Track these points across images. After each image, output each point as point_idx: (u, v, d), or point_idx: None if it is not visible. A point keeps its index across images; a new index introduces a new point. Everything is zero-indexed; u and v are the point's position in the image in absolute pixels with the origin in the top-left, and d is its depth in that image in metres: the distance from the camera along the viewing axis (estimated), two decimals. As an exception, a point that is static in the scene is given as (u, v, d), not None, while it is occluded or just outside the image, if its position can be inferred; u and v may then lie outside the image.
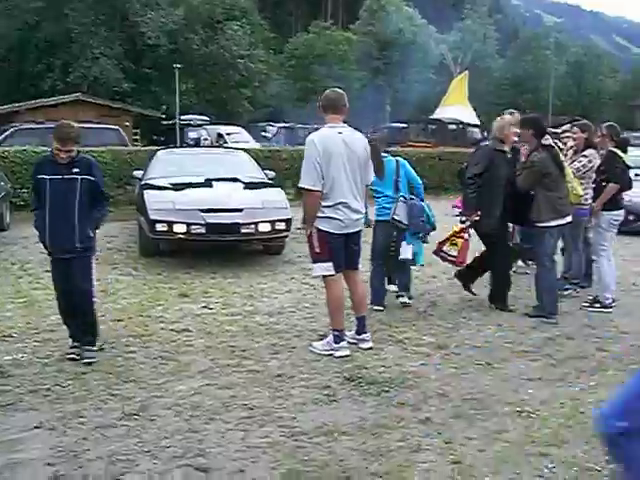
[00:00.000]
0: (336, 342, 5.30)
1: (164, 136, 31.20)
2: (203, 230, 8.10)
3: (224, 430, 3.98)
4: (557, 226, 6.35)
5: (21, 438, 3.82)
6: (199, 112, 34.09)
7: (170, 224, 8.08)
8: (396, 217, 6.27)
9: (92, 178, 4.96)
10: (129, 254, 9.23)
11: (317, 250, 5.17)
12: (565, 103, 51.93)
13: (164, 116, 30.35)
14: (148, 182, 9.35)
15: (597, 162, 7.10)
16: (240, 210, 8.28)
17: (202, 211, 8.19)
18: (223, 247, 8.86)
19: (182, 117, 31.50)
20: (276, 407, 4.33)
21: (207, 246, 8.62)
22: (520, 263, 8.37)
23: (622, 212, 7.00)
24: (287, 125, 33.01)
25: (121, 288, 7.30)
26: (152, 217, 8.12)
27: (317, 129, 5.43)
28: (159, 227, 8.11)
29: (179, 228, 8.10)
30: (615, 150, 6.86)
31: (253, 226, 8.24)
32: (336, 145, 5.04)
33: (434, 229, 6.82)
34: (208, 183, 9.08)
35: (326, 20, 55.07)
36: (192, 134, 30.29)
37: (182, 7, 33.87)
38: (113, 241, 10.12)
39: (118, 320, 6.11)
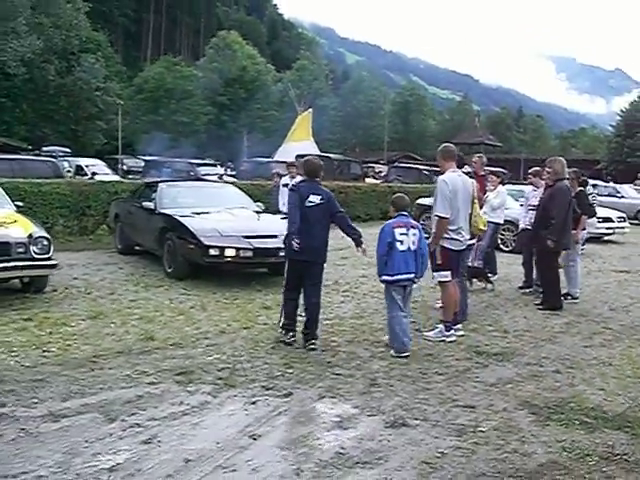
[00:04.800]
0: (447, 330, 7.06)
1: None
2: (250, 254, 9.38)
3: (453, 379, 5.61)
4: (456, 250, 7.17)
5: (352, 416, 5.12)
6: (57, 143, 33.69)
7: (222, 249, 9.26)
8: None
9: None
10: (156, 278, 10.05)
11: (439, 262, 6.92)
12: (394, 140, 57.04)
13: (30, 147, 29.78)
14: (167, 212, 10.35)
15: None
16: (275, 236, 9.63)
17: (245, 237, 9.47)
18: (258, 269, 10.13)
19: (44, 149, 31.10)
20: (459, 371, 6.00)
21: (252, 268, 9.85)
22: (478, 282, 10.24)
23: (586, 232, 9.50)
24: (152, 159, 33.51)
25: (206, 304, 8.40)
26: (206, 243, 9.26)
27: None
28: (212, 252, 9.26)
29: (230, 252, 9.30)
30: (582, 189, 9.35)
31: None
32: (458, 184, 6.88)
33: None
34: (231, 212, 10.32)
35: (146, 54, 55.82)
36: (56, 166, 30.03)
37: (36, 36, 33.38)
38: (123, 268, 10.90)
39: (246, 328, 7.33)
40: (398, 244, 6.33)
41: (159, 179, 13.87)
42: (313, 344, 6.53)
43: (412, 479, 3.91)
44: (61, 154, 32.18)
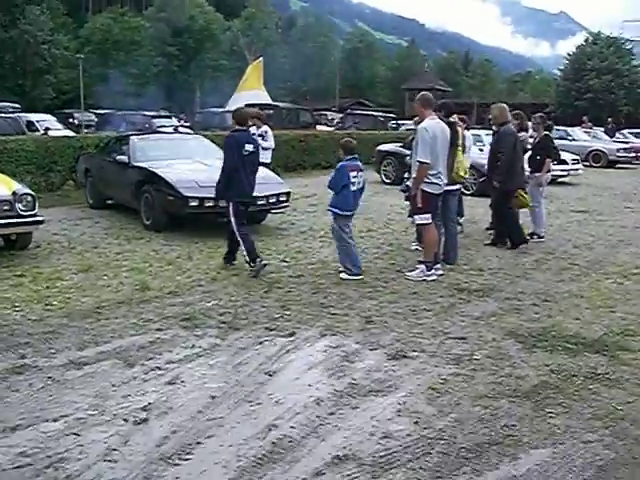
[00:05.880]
0: (428, 270, 7.46)
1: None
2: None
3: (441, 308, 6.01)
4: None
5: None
6: (5, 99, 32.69)
7: (201, 200, 9.39)
8: None
9: None
10: (135, 230, 10.13)
11: (419, 205, 7.26)
12: (344, 87, 56.86)
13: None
14: (142, 165, 10.42)
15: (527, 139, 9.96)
16: (252, 186, 9.82)
17: (223, 187, 9.60)
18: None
19: (-6, 105, 30.23)
20: (445, 307, 6.40)
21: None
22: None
23: (550, 174, 9.96)
24: (106, 112, 32.89)
25: (191, 253, 8.60)
26: (186, 194, 9.39)
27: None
28: (192, 203, 9.40)
29: (209, 203, 9.43)
30: (548, 133, 9.75)
31: (265, 198, 9.88)
32: (437, 131, 7.18)
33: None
34: (204, 163, 10.43)
35: (87, 4, 54.05)
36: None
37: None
38: (99, 222, 10.98)
39: (235, 275, 7.59)
40: (352, 185, 7.30)
41: (127, 133, 13.78)
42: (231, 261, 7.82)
43: (423, 403, 4.29)
44: (10, 109, 31.25)
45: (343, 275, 7.39)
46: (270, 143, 13.03)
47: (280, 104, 27.68)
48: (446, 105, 8.71)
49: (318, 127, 28.65)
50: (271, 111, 28.31)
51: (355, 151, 7.48)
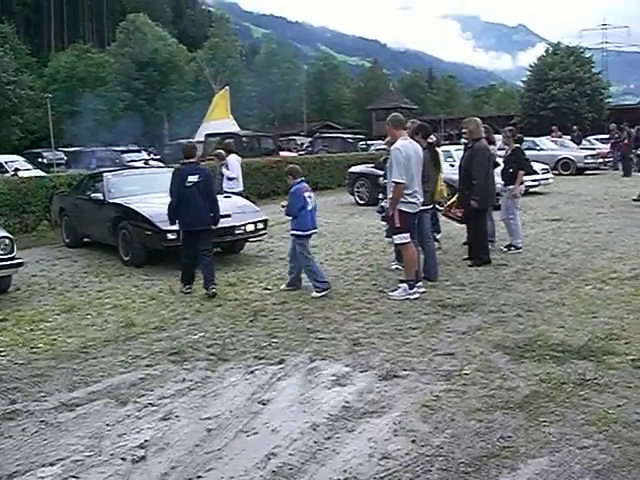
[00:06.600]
0: (410, 288, 7.52)
1: None
2: (206, 235, 9.54)
3: (430, 324, 6.06)
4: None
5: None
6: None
7: (179, 232, 9.38)
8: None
9: None
10: (114, 267, 10.12)
11: (397, 225, 7.35)
12: (312, 111, 57.27)
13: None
14: (117, 201, 10.42)
15: (496, 152, 10.14)
16: (229, 215, 9.83)
17: (199, 219, 9.61)
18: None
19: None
20: (431, 324, 6.47)
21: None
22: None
23: (523, 186, 10.13)
24: (75, 150, 32.77)
25: (173, 287, 8.57)
26: (163, 228, 9.36)
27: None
28: (170, 236, 9.37)
29: (187, 235, 9.45)
30: (519, 146, 9.93)
31: (243, 227, 9.92)
32: (411, 151, 7.29)
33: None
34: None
35: (50, 41, 54.07)
36: (-26, 164, 28.93)
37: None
38: (77, 260, 10.92)
39: (219, 306, 7.60)
40: (308, 205, 7.78)
41: (100, 170, 13.73)
42: (214, 287, 7.99)
43: (418, 422, 4.32)
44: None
45: (314, 294, 7.69)
46: (232, 172, 12.95)
47: (240, 132, 27.65)
48: (423, 127, 8.84)
49: (282, 153, 28.66)
50: (232, 140, 28.36)
51: (301, 174, 8.02)
